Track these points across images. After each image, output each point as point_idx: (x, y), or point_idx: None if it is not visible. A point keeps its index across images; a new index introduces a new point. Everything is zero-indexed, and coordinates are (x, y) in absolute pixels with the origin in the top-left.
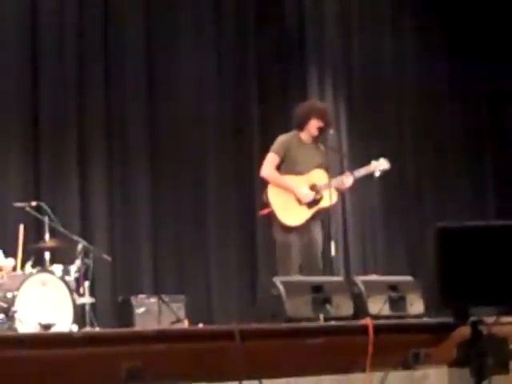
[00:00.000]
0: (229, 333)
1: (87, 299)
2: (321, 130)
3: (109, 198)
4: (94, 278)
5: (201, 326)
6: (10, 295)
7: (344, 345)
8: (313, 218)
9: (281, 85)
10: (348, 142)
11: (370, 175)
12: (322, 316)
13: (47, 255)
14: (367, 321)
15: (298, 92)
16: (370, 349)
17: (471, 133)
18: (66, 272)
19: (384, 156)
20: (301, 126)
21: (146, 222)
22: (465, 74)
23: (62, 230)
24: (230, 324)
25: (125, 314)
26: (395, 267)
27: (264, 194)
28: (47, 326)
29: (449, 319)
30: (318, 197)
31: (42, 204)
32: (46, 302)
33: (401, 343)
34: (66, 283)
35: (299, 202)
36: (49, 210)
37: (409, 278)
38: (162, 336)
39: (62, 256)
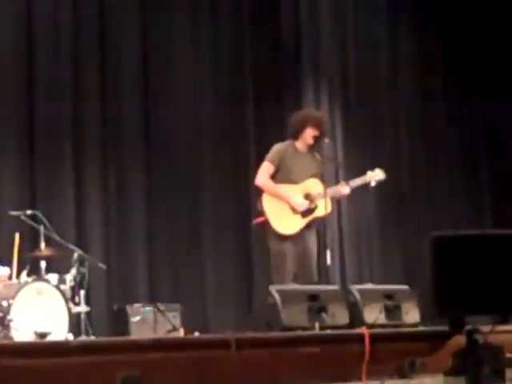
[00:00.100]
0: (225, 341)
1: (83, 308)
2: (316, 139)
3: (104, 207)
4: (90, 286)
5: (196, 334)
6: (5, 304)
7: (340, 353)
8: (307, 227)
9: (276, 93)
10: (344, 150)
11: (366, 185)
12: (317, 325)
13: (43, 264)
14: (363, 329)
15: (293, 101)
16: (366, 357)
17: (467, 143)
18: (62, 281)
19: (380, 165)
20: (296, 135)
21: (142, 231)
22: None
23: (57, 238)
24: (226, 333)
25: (120, 322)
26: (391, 276)
27: (258, 202)
28: (43, 335)
29: (444, 328)
30: (313, 206)
31: (38, 213)
32: (42, 311)
33: (396, 352)
34: (62, 292)
35: (293, 210)
36: (44, 219)
37: (404, 287)
38: (157, 345)
39: (58, 265)
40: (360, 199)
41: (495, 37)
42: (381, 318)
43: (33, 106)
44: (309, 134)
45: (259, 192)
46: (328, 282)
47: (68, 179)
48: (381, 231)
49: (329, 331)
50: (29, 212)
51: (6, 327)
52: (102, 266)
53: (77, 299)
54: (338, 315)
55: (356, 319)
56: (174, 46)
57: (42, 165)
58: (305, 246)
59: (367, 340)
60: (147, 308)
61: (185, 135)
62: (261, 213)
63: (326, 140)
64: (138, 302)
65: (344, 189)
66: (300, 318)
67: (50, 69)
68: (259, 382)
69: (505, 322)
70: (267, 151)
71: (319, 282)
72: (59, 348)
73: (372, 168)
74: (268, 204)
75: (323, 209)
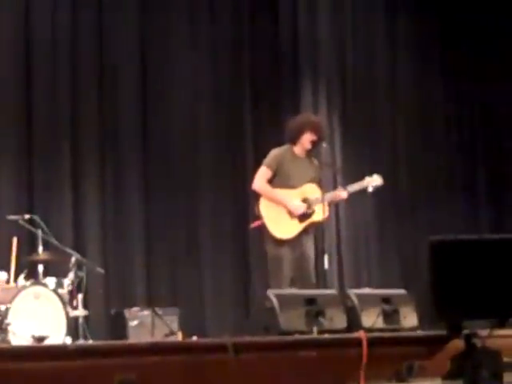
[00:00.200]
0: (222, 346)
1: (80, 312)
2: (314, 144)
3: (102, 210)
4: (88, 290)
5: (194, 338)
6: (3, 308)
7: (338, 358)
8: (305, 231)
9: (274, 97)
10: (342, 155)
11: (363, 191)
12: (315, 329)
13: (40, 268)
14: (361, 334)
15: (291, 105)
16: (364, 362)
17: (465, 145)
18: (60, 285)
19: (378, 170)
20: (294, 140)
21: (139, 234)
22: (460, 89)
23: (55, 242)
24: (224, 337)
25: (118, 326)
26: (389, 280)
27: (256, 207)
28: (40, 339)
29: (442, 332)
30: (310, 211)
31: (36, 217)
32: (40, 315)
33: (394, 356)
34: (60, 296)
35: (291, 215)
36: (42, 223)
37: (402, 291)
38: (155, 349)
39: (56, 269)
40: (358, 203)
41: (494, 37)
42: (379, 322)
43: (30, 107)
44: (307, 138)
45: (256, 196)
46: (326, 287)
47: (65, 182)
48: (379, 235)
49: (327, 335)
50: (27, 216)
51: (4, 331)
52: (100, 270)
53: (74, 303)
54: (336, 319)
55: (354, 323)
56: (172, 46)
57: (39, 168)
58: (302, 250)
59: (365, 344)
60: (145, 312)
61: (183, 136)
62: (258, 217)
63: (324, 145)
64: (135, 305)
65: (341, 194)
66: (298, 322)
67: (47, 69)
68: None
69: (503, 326)
70: (265, 151)
71: (317, 287)
72: (57, 352)
73: (370, 173)
74: (265, 208)
75: (321, 214)
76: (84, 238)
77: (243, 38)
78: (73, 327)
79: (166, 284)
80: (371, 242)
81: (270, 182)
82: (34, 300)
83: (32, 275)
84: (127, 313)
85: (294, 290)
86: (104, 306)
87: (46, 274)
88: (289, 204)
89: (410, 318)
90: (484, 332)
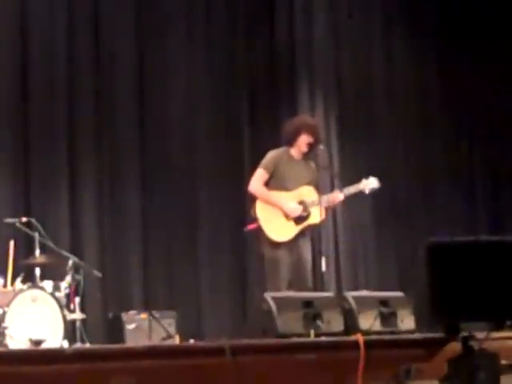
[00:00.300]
0: (220, 349)
1: (78, 315)
2: (311, 146)
3: (99, 211)
4: (85, 293)
5: (192, 341)
6: (0, 311)
7: (335, 360)
8: (301, 234)
9: (271, 97)
10: (339, 158)
11: (360, 193)
12: (312, 332)
13: (37, 271)
14: (358, 336)
15: (288, 107)
16: (361, 364)
17: (463, 149)
18: (57, 288)
19: (375, 172)
20: (291, 142)
21: (137, 236)
22: (458, 89)
23: (52, 245)
24: (221, 340)
25: (115, 330)
26: (386, 283)
27: (252, 209)
28: (38, 342)
29: (440, 335)
30: (306, 214)
31: (33, 220)
32: (37, 318)
33: (392, 359)
34: (57, 299)
35: (287, 217)
36: (39, 226)
37: (400, 294)
38: (152, 352)
39: (53, 272)
40: (356, 206)
41: (494, 37)
42: (376, 325)
43: (27, 110)
44: (303, 141)
45: (252, 199)
46: (323, 289)
47: (62, 184)
48: (376, 238)
49: (324, 338)
50: (24, 219)
51: (1, 335)
52: (98, 273)
53: (72, 306)
54: (333, 322)
55: (351, 326)
56: (168, 46)
57: (36, 169)
58: (299, 253)
59: (362, 347)
60: (142, 315)
61: (180, 138)
62: (253, 219)
63: (321, 147)
64: (133, 309)
65: (338, 196)
66: (295, 325)
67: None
68: None
69: (500, 328)
70: (261, 151)
71: (314, 289)
72: (54, 355)
73: (367, 175)
74: (261, 211)
75: (317, 216)
76: (81, 239)
77: (240, 42)
78: (70, 331)
79: (164, 287)
80: (369, 245)
81: (267, 184)
82: (31, 303)
83: (29, 278)
84: (124, 316)
85: (292, 293)
86: (101, 309)
87: (43, 277)
88: (285, 206)
89: (407, 321)
90: (481, 334)
